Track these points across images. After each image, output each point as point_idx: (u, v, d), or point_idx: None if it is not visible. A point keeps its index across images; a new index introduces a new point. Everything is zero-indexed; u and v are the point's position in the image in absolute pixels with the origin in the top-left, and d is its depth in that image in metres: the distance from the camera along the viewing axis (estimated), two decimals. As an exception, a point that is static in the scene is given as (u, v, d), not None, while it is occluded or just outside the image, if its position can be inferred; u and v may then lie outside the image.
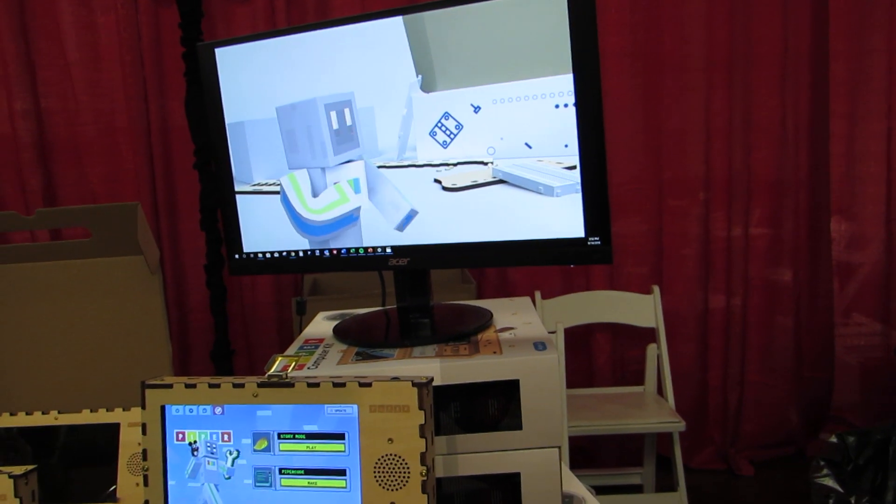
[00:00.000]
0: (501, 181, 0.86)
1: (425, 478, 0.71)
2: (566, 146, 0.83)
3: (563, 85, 0.82)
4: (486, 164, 0.86)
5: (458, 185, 0.87)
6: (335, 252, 0.99)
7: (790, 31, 2.33)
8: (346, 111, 0.92)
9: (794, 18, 2.33)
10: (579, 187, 0.83)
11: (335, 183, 0.95)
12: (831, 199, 2.38)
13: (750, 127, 2.38)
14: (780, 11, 2.31)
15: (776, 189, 2.42)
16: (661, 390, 2.26)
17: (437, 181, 0.90)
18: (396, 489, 0.72)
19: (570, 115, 0.82)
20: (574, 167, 0.83)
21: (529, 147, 0.84)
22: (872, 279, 2.42)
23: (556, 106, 0.82)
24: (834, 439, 1.89)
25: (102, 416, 1.01)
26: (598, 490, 2.35)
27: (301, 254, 1.01)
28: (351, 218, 0.96)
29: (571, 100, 0.81)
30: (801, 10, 2.33)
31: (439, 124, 0.88)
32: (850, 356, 2.47)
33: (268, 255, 1.03)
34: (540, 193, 0.84)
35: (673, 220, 2.44)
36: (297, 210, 0.98)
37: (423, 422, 0.72)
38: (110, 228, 1.09)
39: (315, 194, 0.96)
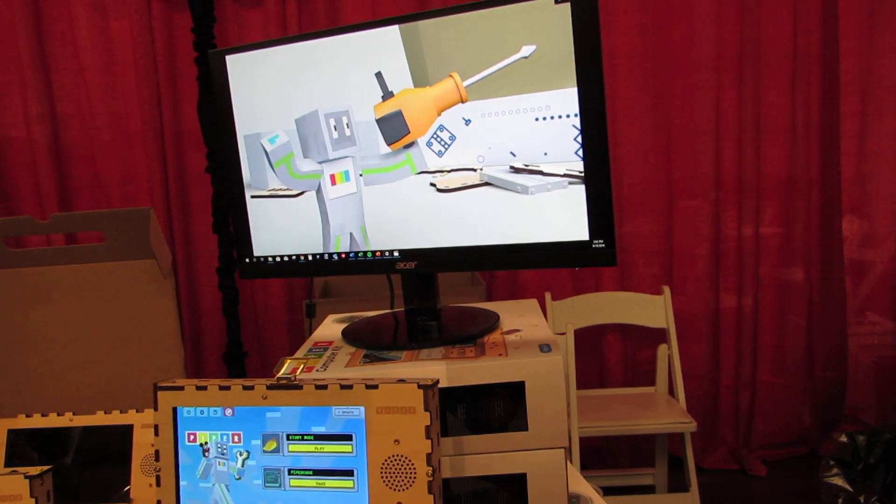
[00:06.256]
0: (487, 183, 0.92)
1: (431, 478, 0.72)
2: (546, 154, 0.88)
3: (542, 100, 0.87)
4: (475, 170, 0.92)
5: (450, 187, 0.93)
6: (344, 255, 1.00)
7: (800, 30, 2.32)
8: (344, 119, 0.97)
9: (803, 17, 2.32)
10: (549, 186, 0.88)
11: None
12: (843, 198, 2.37)
13: (760, 126, 2.38)
14: (790, 10, 2.31)
15: (787, 188, 2.41)
16: (672, 391, 2.26)
17: (432, 184, 0.94)
18: (403, 489, 0.73)
19: (548, 126, 0.87)
20: (551, 174, 0.88)
21: (514, 155, 0.90)
22: (886, 278, 2.41)
23: (536, 119, 0.88)
24: (844, 438, 1.89)
25: (116, 418, 1.03)
26: (611, 491, 2.35)
27: (311, 257, 1.03)
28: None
29: (549, 113, 0.87)
30: (811, 9, 2.32)
31: (435, 135, 0.93)
32: (864, 355, 2.46)
33: (278, 259, 1.05)
34: (518, 192, 0.90)
35: (683, 221, 2.44)
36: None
37: (428, 423, 0.73)
38: (124, 232, 1.11)
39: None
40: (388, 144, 0.95)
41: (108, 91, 2.33)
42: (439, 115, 0.92)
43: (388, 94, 0.94)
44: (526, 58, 0.86)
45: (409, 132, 0.94)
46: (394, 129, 0.95)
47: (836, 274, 2.46)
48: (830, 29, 2.32)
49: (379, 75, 0.94)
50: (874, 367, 2.45)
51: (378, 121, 0.95)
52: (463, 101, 0.90)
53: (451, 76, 0.90)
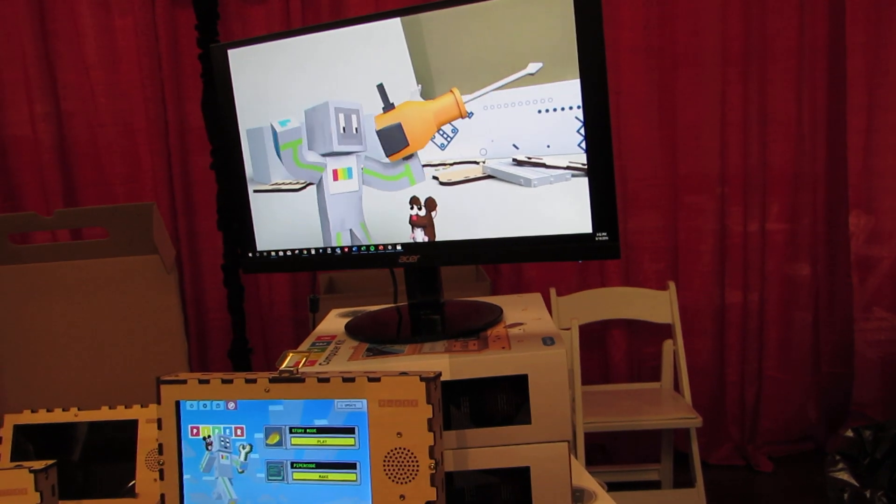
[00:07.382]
0: (490, 176, 0.91)
1: (434, 471, 0.72)
2: (548, 146, 0.88)
3: (544, 93, 0.87)
4: (478, 163, 0.92)
5: (453, 181, 0.93)
6: (347, 249, 1.00)
7: (806, 24, 2.31)
8: (354, 117, 0.96)
9: (810, 11, 2.31)
10: (552, 179, 0.87)
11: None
12: (849, 193, 2.36)
13: (766, 121, 2.37)
14: (796, 3, 2.29)
15: (793, 183, 2.40)
16: (677, 386, 2.25)
17: (435, 178, 0.94)
18: (406, 482, 0.73)
19: (552, 118, 0.87)
20: (554, 167, 0.88)
21: (517, 148, 0.89)
22: (893, 273, 2.40)
23: (539, 111, 0.87)
24: (850, 433, 1.88)
25: (121, 413, 1.03)
26: (616, 486, 2.35)
27: (313, 251, 1.02)
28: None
29: (551, 105, 0.87)
30: (817, 2, 2.31)
31: (438, 129, 0.92)
32: (871, 351, 2.45)
33: (280, 254, 1.05)
34: (521, 185, 0.90)
35: (689, 216, 2.43)
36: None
37: (431, 416, 0.73)
38: (127, 228, 1.11)
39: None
40: (388, 156, 0.95)
41: (113, 88, 2.33)
42: (438, 129, 0.92)
43: (389, 106, 0.94)
44: (532, 75, 0.86)
45: (408, 145, 0.94)
46: (393, 141, 0.95)
47: (843, 269, 2.45)
48: (837, 23, 2.31)
49: (380, 87, 0.94)
50: (881, 363, 2.44)
51: (378, 132, 0.95)
52: (462, 117, 0.90)
53: (451, 91, 0.90)
